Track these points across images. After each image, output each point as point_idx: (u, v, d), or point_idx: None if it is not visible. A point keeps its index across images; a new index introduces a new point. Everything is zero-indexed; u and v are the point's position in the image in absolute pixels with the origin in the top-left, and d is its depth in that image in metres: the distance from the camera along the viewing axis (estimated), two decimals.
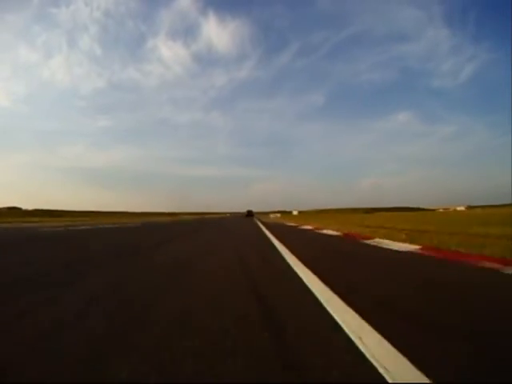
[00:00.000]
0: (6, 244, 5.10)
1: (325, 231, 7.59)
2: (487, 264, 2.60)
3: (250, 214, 50.95)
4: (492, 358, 1.00)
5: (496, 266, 2.51)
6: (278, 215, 51.71)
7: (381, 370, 0.92)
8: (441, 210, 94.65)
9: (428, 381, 0.86)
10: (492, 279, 2.15)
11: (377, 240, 4.81)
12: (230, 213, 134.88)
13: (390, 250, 3.73)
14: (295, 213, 78.83)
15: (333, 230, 7.75)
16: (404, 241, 4.42)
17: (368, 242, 4.70)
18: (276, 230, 9.02)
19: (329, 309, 1.48)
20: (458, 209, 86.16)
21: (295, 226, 11.31)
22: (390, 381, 0.87)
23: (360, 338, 1.13)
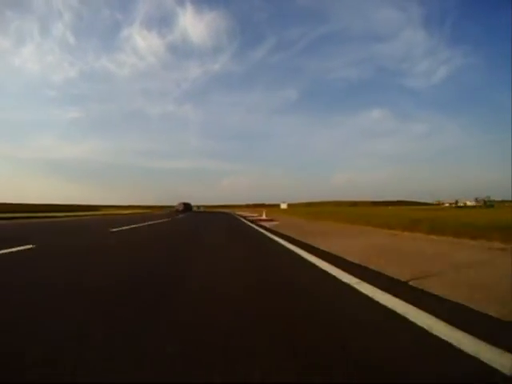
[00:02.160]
0: None
1: None
2: None
3: (186, 208, 38.36)
4: None
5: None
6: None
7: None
8: (446, 205, 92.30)
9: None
10: None
11: None
12: (204, 206, 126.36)
13: None
14: (284, 206, 66.36)
15: None
16: None
17: None
18: None
19: None
20: (469, 203, 79.86)
21: None
22: None
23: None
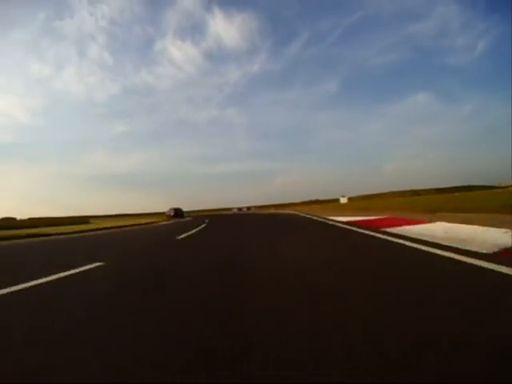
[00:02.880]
0: None
1: None
2: None
3: (177, 213, 33.19)
4: None
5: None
6: None
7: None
8: None
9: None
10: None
11: None
12: (254, 206, 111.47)
13: None
14: (344, 200, 67.07)
15: None
16: None
17: None
18: None
19: None
20: None
21: None
22: None
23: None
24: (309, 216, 14.98)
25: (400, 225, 5.97)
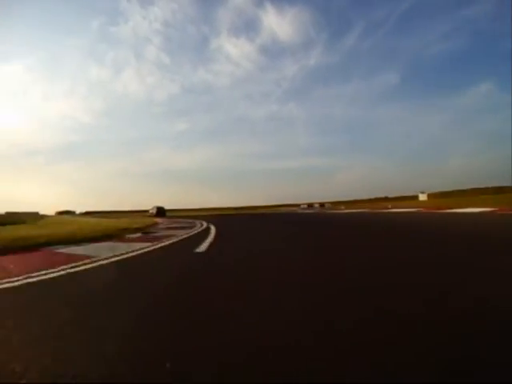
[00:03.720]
0: None
1: None
2: None
3: (159, 212, 38.22)
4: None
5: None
6: None
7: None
8: None
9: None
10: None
11: None
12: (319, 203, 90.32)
13: None
14: (423, 197, 62.84)
15: None
16: None
17: None
18: None
19: None
20: None
21: None
22: None
23: None
24: None
25: None
